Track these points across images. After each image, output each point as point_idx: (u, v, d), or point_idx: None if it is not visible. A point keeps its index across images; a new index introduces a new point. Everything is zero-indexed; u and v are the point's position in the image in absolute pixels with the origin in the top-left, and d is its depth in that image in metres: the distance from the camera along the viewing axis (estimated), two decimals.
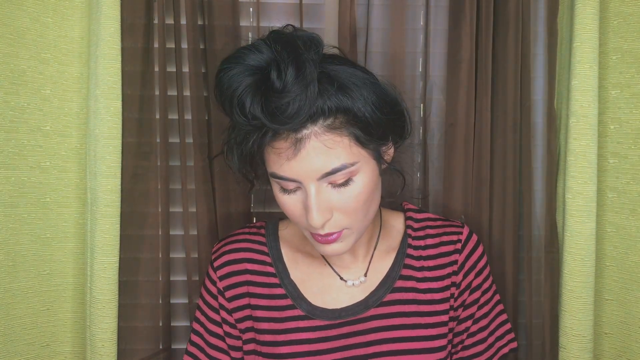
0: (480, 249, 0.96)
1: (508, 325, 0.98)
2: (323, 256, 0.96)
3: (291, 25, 0.82)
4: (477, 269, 0.95)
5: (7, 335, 1.05)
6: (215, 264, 0.96)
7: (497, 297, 0.98)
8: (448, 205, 1.14)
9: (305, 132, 0.77)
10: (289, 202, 0.82)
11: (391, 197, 1.10)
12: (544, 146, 1.14)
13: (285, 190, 0.82)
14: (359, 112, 0.78)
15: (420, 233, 0.96)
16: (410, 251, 0.95)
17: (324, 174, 0.78)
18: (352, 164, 0.79)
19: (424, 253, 0.95)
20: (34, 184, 1.06)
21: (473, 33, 1.11)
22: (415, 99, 1.16)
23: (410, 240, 0.96)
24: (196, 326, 0.98)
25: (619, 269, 1.09)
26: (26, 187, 1.06)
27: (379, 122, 0.81)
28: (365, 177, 0.81)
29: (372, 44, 1.14)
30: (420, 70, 1.16)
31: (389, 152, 0.88)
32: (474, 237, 0.96)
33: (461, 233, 0.96)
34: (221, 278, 0.95)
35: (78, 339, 1.13)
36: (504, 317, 0.98)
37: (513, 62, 1.11)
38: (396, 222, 0.99)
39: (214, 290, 0.96)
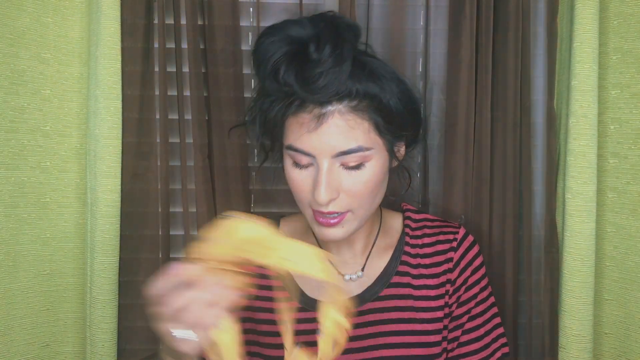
0: (476, 249, 0.97)
1: (502, 329, 0.98)
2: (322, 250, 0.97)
3: (333, 11, 0.86)
4: (473, 267, 0.96)
5: (7, 335, 1.05)
6: None
7: (492, 299, 0.98)
8: (448, 205, 1.14)
9: (330, 108, 0.80)
10: (299, 178, 0.84)
11: (394, 195, 1.10)
12: (543, 146, 1.14)
13: (297, 165, 0.84)
14: (384, 100, 0.82)
15: (418, 232, 0.98)
16: (407, 249, 0.96)
17: (339, 152, 0.81)
18: (368, 149, 0.82)
19: (421, 251, 0.96)
20: (34, 184, 1.06)
21: (473, 33, 1.11)
22: (414, 100, 1.15)
23: (407, 239, 0.97)
24: None
25: (618, 269, 1.09)
26: (26, 187, 1.06)
27: (400, 115, 0.84)
28: (376, 165, 0.84)
29: (372, 44, 1.14)
30: (420, 70, 1.16)
31: (401, 151, 0.91)
32: (470, 237, 0.97)
33: (457, 232, 0.97)
34: None
35: (78, 339, 1.13)
36: (498, 320, 0.98)
37: (513, 62, 1.11)
38: (395, 222, 1.01)
39: None
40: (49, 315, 1.10)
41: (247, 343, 0.96)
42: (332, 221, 0.84)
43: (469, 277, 0.95)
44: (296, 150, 0.82)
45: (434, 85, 1.15)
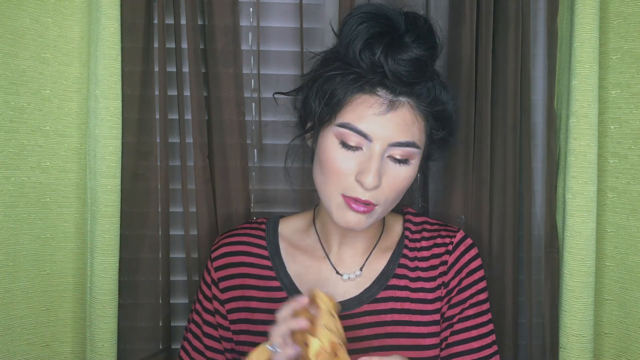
0: (472, 252, 0.97)
1: (494, 337, 0.97)
2: (323, 248, 0.98)
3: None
4: (468, 269, 0.96)
5: (7, 335, 1.05)
6: (213, 255, 0.99)
7: (487, 305, 0.97)
8: (448, 205, 1.14)
9: (402, 99, 0.84)
10: (345, 158, 0.84)
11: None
12: (544, 146, 1.14)
13: (345, 146, 0.84)
14: (447, 109, 0.89)
15: (417, 235, 0.98)
16: (405, 252, 0.96)
17: (396, 142, 0.84)
18: (418, 148, 0.86)
19: (419, 254, 0.96)
20: (34, 184, 1.06)
21: (473, 33, 1.11)
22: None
23: (406, 242, 0.97)
24: (194, 316, 1.01)
25: (619, 269, 1.09)
26: (26, 187, 1.06)
27: (449, 130, 0.91)
28: (414, 166, 0.88)
29: None
30: None
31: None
32: (468, 241, 0.97)
33: (454, 236, 0.97)
34: (217, 269, 0.98)
35: (78, 339, 1.13)
36: (492, 326, 0.97)
37: (513, 62, 1.11)
38: (395, 224, 1.01)
39: (208, 279, 0.99)
40: (49, 315, 1.10)
41: (240, 343, 0.97)
42: (363, 208, 0.85)
43: (463, 279, 0.95)
44: (354, 129, 0.83)
45: None
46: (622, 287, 1.09)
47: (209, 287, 0.98)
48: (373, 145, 0.83)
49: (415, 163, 0.87)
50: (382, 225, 1.00)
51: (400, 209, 1.03)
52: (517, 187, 1.13)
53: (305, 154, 1.02)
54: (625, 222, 1.07)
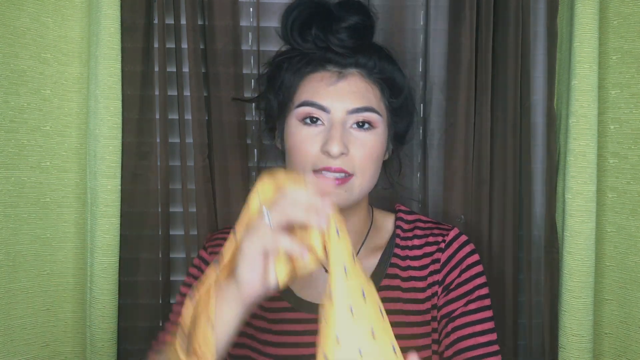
0: (468, 248, 0.94)
1: (494, 336, 0.92)
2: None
3: None
4: (463, 266, 0.93)
5: (7, 335, 1.05)
6: (207, 244, 0.99)
7: (488, 301, 0.93)
8: (448, 205, 1.14)
9: (350, 70, 0.89)
10: (309, 135, 0.87)
11: (389, 187, 1.07)
12: (543, 146, 1.14)
13: (306, 123, 0.87)
14: (395, 77, 0.91)
15: (409, 234, 0.97)
16: (397, 251, 0.95)
17: (354, 109, 0.87)
18: (378, 113, 0.88)
19: (411, 253, 0.95)
20: (34, 184, 1.06)
21: (473, 33, 1.11)
22: (415, 99, 1.15)
23: (398, 240, 0.96)
24: (183, 288, 0.97)
25: (619, 269, 1.09)
26: (26, 187, 1.06)
27: (404, 100, 0.93)
28: (381, 135, 0.89)
29: None
30: (420, 70, 1.16)
31: (390, 143, 0.95)
32: (463, 238, 0.95)
33: (447, 234, 0.95)
34: (211, 253, 0.97)
35: (78, 339, 1.13)
36: (492, 324, 0.93)
37: (513, 62, 1.11)
38: (386, 222, 1.00)
39: (198, 262, 0.98)
40: (49, 315, 1.10)
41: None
42: (337, 181, 0.85)
43: (462, 272, 0.93)
44: (310, 103, 0.87)
45: (433, 86, 1.15)
46: (622, 287, 1.09)
47: (200, 266, 0.97)
48: (332, 116, 0.86)
49: (380, 131, 0.89)
50: (370, 222, 0.98)
51: (392, 207, 1.02)
52: (517, 187, 1.13)
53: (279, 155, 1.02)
54: (625, 222, 1.07)
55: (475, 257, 0.95)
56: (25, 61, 1.04)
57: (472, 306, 0.92)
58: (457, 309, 0.92)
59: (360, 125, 0.87)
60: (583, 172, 1.04)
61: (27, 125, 1.05)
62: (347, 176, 0.86)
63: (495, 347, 0.92)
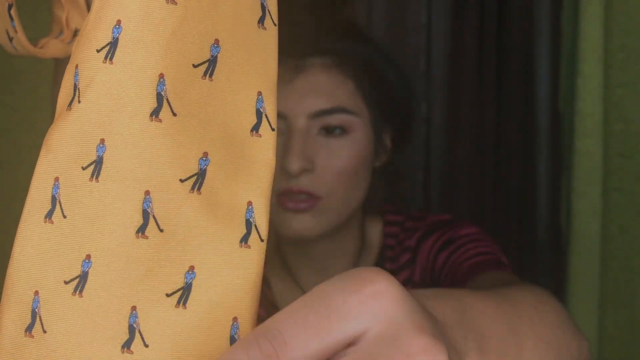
0: (453, 223, 0.78)
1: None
2: (296, 280, 0.80)
3: None
4: (438, 233, 0.76)
5: None
6: None
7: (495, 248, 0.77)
8: (450, 204, 1.13)
9: (311, 60, 0.69)
10: None
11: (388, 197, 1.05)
12: (548, 146, 1.13)
13: None
14: (375, 61, 0.73)
15: (401, 237, 0.81)
16: (388, 266, 0.80)
17: (317, 112, 0.68)
18: (351, 114, 0.70)
19: (402, 260, 0.80)
20: (29, 184, 1.06)
21: (476, 32, 1.10)
22: (418, 97, 1.14)
23: (388, 252, 0.80)
24: None
25: (624, 270, 1.08)
26: (22, 188, 1.05)
27: (392, 88, 0.74)
28: (360, 141, 0.71)
29: None
30: (423, 68, 1.15)
31: (387, 142, 0.78)
32: (444, 216, 0.80)
33: (424, 219, 0.79)
34: None
35: None
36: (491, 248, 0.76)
37: (517, 61, 1.10)
38: (373, 232, 0.83)
39: None
40: None
41: None
42: (301, 205, 0.68)
43: (433, 243, 0.77)
44: None
45: (437, 84, 1.14)
46: (628, 289, 1.08)
47: None
48: (290, 122, 0.68)
49: (359, 136, 0.70)
50: (362, 239, 0.80)
51: (377, 209, 0.85)
52: (521, 188, 1.12)
53: None
54: (631, 223, 1.06)
55: (465, 228, 0.79)
56: (22, 60, 1.03)
57: (469, 252, 0.76)
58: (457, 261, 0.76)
59: (330, 131, 0.69)
60: (588, 172, 1.03)
61: (23, 124, 1.04)
62: (314, 198, 0.69)
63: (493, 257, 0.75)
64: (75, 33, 0.48)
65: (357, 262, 0.80)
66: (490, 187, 1.12)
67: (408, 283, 0.79)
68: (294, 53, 0.68)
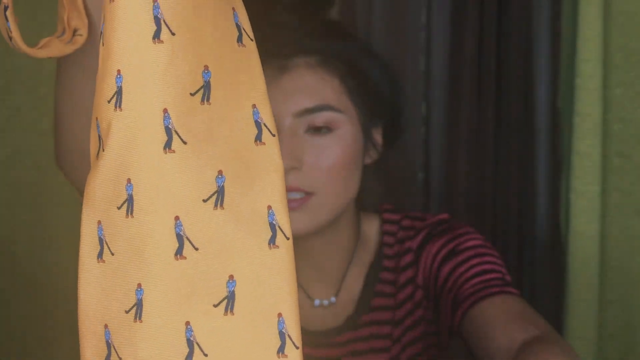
0: (457, 229, 0.78)
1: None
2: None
3: None
4: (442, 241, 0.77)
5: (7, 335, 1.04)
6: None
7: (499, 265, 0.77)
8: (450, 204, 1.13)
9: (295, 60, 0.72)
10: None
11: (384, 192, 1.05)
12: (547, 146, 1.13)
13: None
14: (359, 58, 0.75)
15: (401, 235, 0.82)
16: (387, 263, 0.81)
17: (303, 110, 0.71)
18: (337, 111, 0.72)
19: (403, 261, 0.81)
20: (30, 184, 1.06)
21: (476, 31, 1.10)
22: (417, 97, 1.15)
23: (387, 250, 0.81)
24: None
25: (623, 270, 1.08)
26: (23, 187, 1.05)
27: (376, 85, 0.76)
28: (347, 137, 0.73)
29: (373, 42, 1.13)
30: (422, 68, 1.15)
31: (377, 138, 0.79)
32: (441, 217, 0.81)
33: (425, 219, 0.80)
34: None
35: (78, 340, 1.12)
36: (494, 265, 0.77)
37: (516, 61, 1.10)
38: (371, 229, 0.84)
39: None
40: (49, 315, 1.10)
41: None
42: (292, 203, 0.70)
43: (438, 252, 0.78)
44: None
45: (436, 84, 1.14)
46: (627, 289, 1.08)
47: None
48: (278, 122, 0.67)
49: (345, 133, 0.72)
50: (357, 234, 0.82)
51: (375, 207, 0.86)
52: (520, 187, 1.12)
53: None
54: (630, 223, 1.07)
55: (465, 235, 0.80)
56: (21, 59, 1.03)
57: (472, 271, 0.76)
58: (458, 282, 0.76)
59: (317, 129, 0.72)
60: (587, 172, 1.03)
61: (23, 124, 1.05)
62: (305, 195, 0.71)
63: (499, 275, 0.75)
64: (75, 32, 0.48)
65: (353, 258, 0.81)
66: (489, 187, 1.12)
67: (411, 283, 0.80)
68: (278, 53, 0.71)
